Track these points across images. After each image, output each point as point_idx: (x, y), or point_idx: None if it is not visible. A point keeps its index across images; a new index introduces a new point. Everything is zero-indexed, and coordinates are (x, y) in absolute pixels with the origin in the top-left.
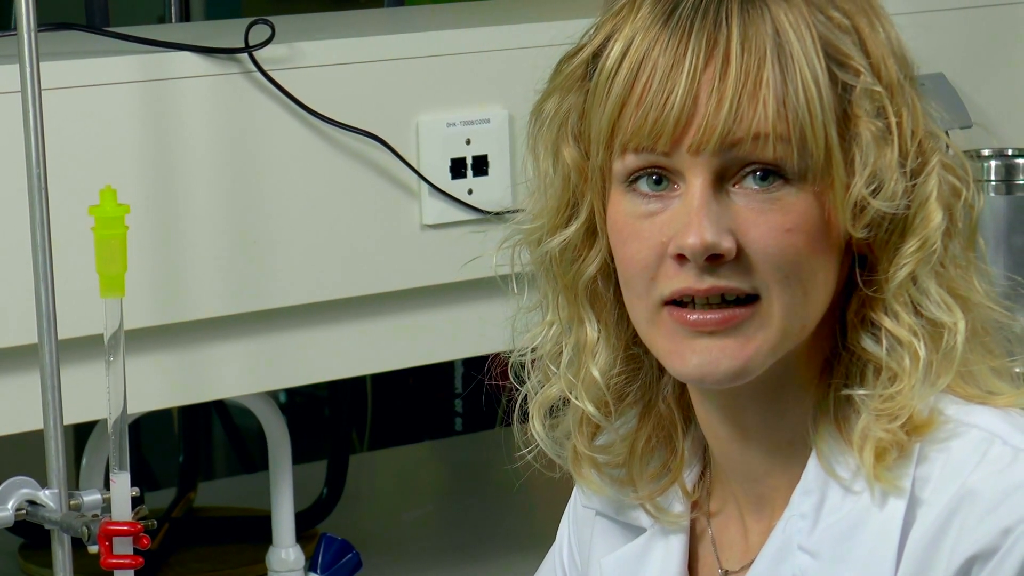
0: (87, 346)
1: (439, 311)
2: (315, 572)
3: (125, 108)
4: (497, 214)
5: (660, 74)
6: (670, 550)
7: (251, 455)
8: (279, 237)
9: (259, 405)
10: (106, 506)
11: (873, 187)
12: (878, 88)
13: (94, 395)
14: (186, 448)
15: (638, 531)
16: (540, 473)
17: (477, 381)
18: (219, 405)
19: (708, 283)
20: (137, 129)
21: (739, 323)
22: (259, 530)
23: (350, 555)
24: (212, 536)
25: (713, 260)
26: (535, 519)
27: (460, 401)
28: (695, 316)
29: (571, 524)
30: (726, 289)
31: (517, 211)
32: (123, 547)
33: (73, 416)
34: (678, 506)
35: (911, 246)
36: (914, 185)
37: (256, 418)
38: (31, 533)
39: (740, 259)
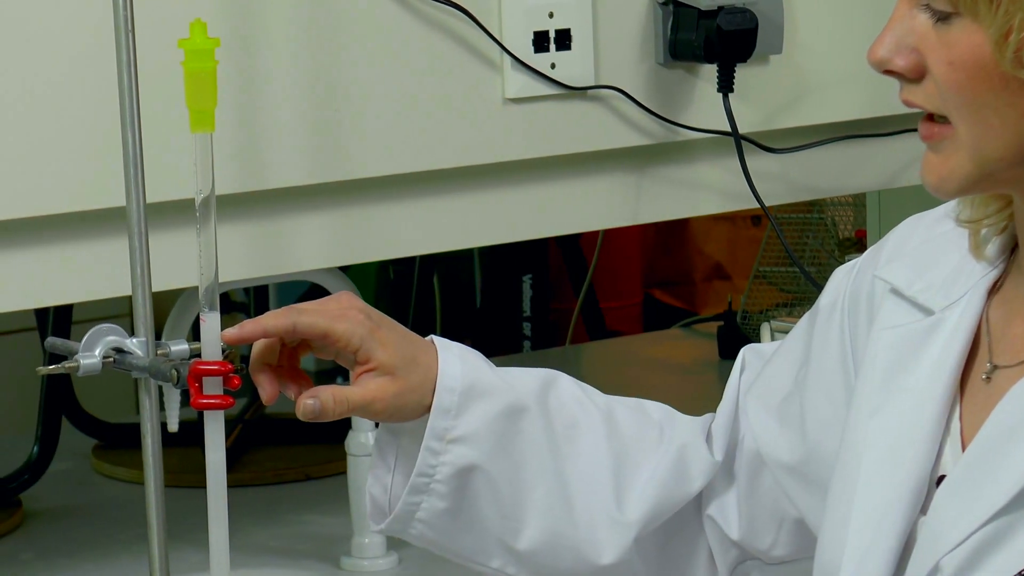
0: (172, 212)
1: (519, 187)
2: None
3: None
4: (580, 89)
5: None
6: (954, 337)
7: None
8: (360, 107)
9: (334, 282)
10: (194, 354)
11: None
12: None
13: (179, 263)
14: None
15: (926, 312)
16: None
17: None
18: None
19: (903, 95)
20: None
21: (939, 141)
22: (330, 432)
23: None
24: (284, 437)
25: (901, 76)
26: None
27: (528, 324)
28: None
29: (850, 284)
30: (914, 104)
31: (600, 87)
32: (213, 387)
33: (159, 283)
34: (976, 296)
35: None
36: None
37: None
38: (105, 435)
39: (927, 79)
